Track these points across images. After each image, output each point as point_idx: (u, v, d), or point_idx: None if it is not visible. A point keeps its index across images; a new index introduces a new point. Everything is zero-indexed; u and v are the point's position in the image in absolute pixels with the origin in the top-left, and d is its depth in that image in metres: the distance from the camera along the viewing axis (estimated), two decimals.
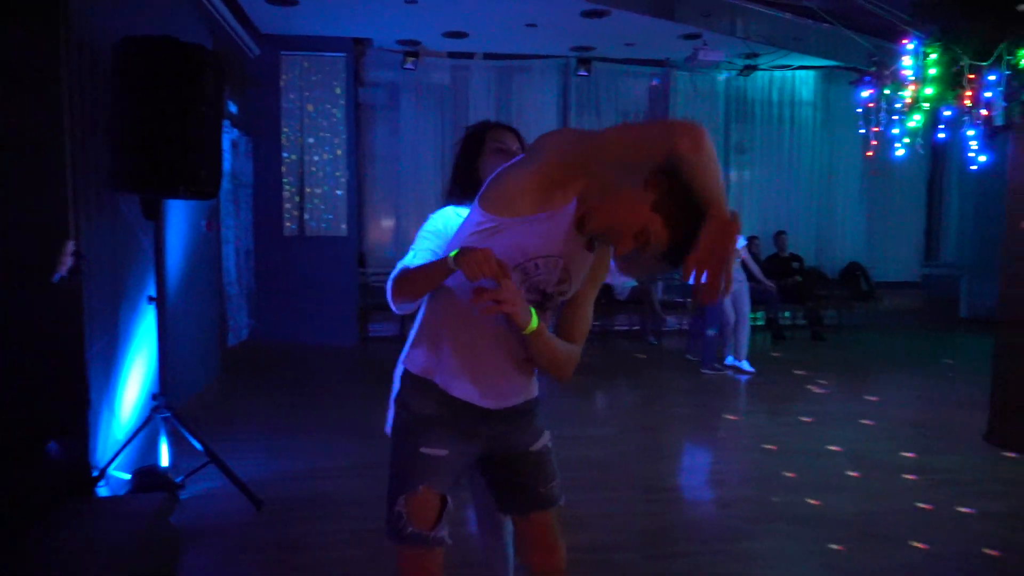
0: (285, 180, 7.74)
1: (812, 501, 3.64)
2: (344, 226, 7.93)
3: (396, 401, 1.72)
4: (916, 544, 3.16)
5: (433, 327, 1.64)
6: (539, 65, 8.70)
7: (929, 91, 3.98)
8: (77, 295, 3.07)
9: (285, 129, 7.67)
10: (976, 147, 4.17)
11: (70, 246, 2.94)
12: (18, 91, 2.89)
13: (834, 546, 3.12)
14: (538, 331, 1.50)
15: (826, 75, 9.49)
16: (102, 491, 3.19)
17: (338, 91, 7.73)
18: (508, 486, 1.72)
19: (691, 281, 1.26)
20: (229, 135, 6.41)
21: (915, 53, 4.06)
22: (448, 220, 1.94)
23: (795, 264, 8.94)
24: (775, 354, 7.78)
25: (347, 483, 3.89)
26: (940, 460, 4.30)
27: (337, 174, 7.84)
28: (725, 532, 3.30)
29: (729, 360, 6.92)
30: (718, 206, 1.26)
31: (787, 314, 9.02)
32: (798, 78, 9.52)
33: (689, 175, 1.27)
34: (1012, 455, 4.31)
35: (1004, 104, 3.91)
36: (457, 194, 2.03)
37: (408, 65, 8.20)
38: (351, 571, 2.90)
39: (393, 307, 1.72)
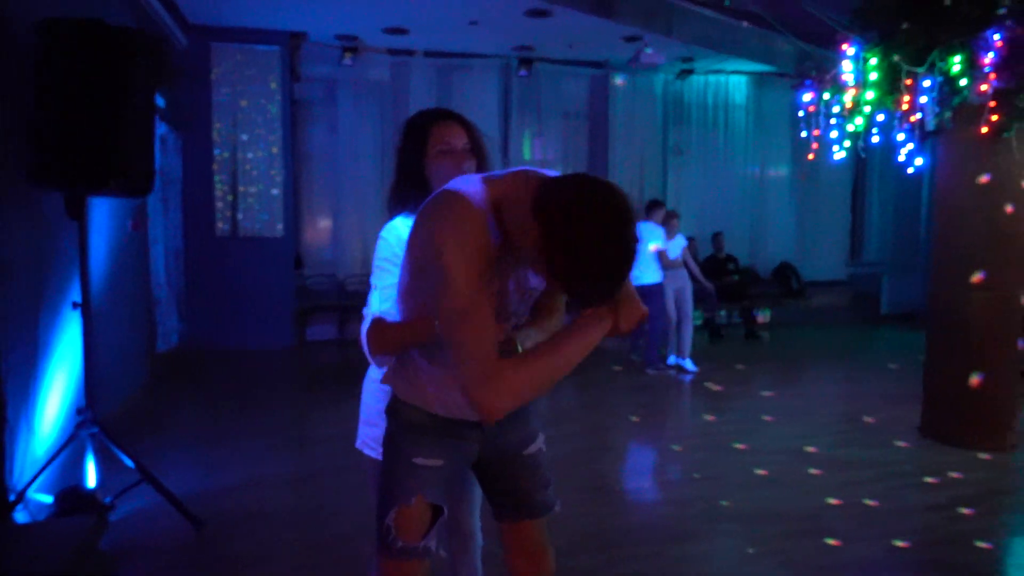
0: (217, 178, 7.39)
1: (764, 499, 3.69)
2: (280, 226, 7.64)
3: (387, 412, 1.63)
4: (867, 539, 3.24)
5: (409, 355, 1.58)
6: (480, 64, 8.61)
7: (870, 95, 4.10)
8: None
9: (217, 125, 7.32)
10: (912, 150, 4.33)
11: None
12: None
13: (789, 543, 3.16)
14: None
15: (758, 80, 9.76)
16: (20, 516, 2.92)
17: (273, 86, 7.43)
18: (504, 492, 1.67)
19: None
20: (157, 130, 6.05)
21: (855, 58, 4.18)
22: (401, 236, 1.77)
23: (731, 265, 9.16)
24: (715, 352, 7.93)
25: (288, 496, 3.71)
26: (880, 454, 4.44)
27: (272, 172, 7.54)
28: (683, 532, 3.29)
29: (672, 360, 7.01)
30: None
31: (722, 313, 9.24)
32: (731, 83, 9.76)
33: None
34: (946, 447, 4.50)
35: (937, 110, 4.07)
36: (403, 198, 1.84)
37: (346, 61, 7.97)
38: None
39: (372, 362, 1.68)
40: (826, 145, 4.94)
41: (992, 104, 4.00)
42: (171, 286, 6.85)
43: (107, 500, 3.19)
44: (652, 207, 6.96)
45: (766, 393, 6.14)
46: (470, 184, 1.32)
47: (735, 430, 4.94)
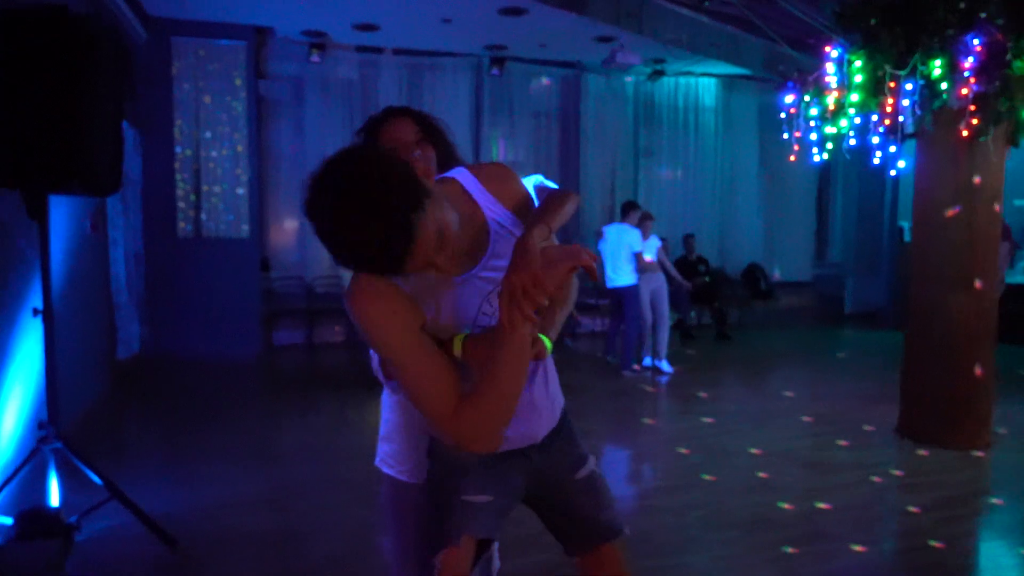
0: (179, 177, 7.10)
1: (757, 504, 3.65)
2: (245, 227, 7.38)
3: (428, 455, 1.53)
4: (861, 543, 3.22)
5: None
6: (451, 63, 8.48)
7: (855, 97, 4.10)
8: None
9: (178, 122, 7.04)
10: (894, 153, 4.35)
11: None
12: None
13: (788, 549, 3.12)
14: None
15: (727, 83, 9.84)
16: None
17: (238, 83, 7.18)
18: (564, 521, 1.56)
19: None
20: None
21: (839, 61, 4.18)
22: None
23: (701, 267, 9.20)
24: (689, 353, 7.94)
25: (262, 516, 3.52)
26: (863, 455, 4.46)
27: (238, 171, 7.28)
28: (681, 541, 3.23)
29: (647, 361, 6.98)
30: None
31: (692, 314, 9.28)
32: (701, 85, 9.82)
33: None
34: (925, 447, 4.54)
35: (919, 113, 4.10)
36: None
37: (314, 58, 7.76)
38: None
39: (387, 387, 1.63)
40: (805, 147, 4.94)
41: (972, 108, 4.04)
42: (132, 290, 6.55)
43: (72, 520, 2.98)
44: (628, 209, 6.93)
45: (745, 394, 6.15)
46: None
47: (717, 432, 4.91)
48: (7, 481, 2.87)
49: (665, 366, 6.87)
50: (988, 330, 4.59)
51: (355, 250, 1.13)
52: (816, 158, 4.88)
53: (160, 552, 3.00)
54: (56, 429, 2.99)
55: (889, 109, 4.05)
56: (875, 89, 4.04)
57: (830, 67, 4.24)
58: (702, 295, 8.96)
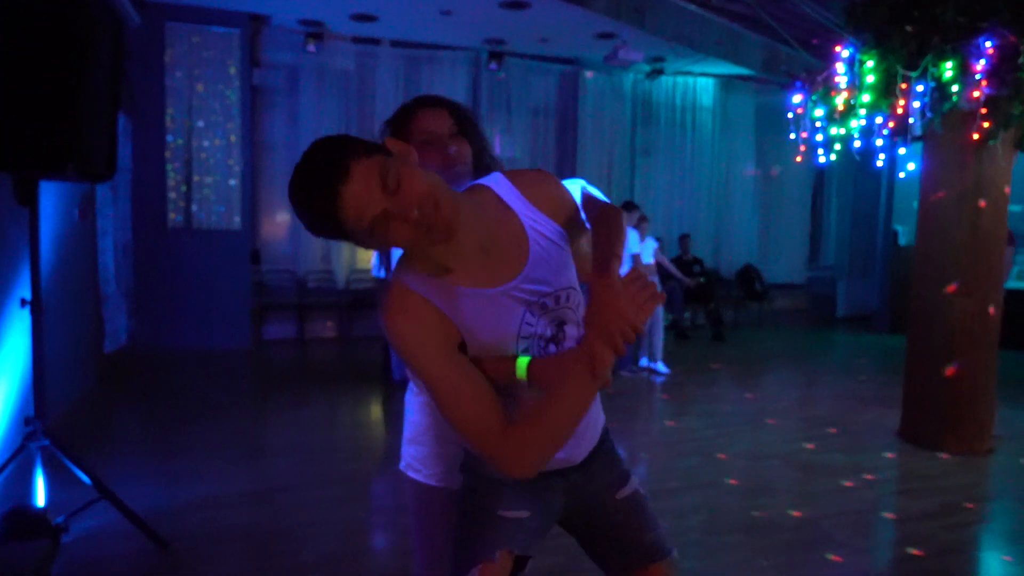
0: (169, 166, 6.95)
1: (761, 507, 3.59)
2: (237, 219, 7.24)
3: (462, 469, 1.45)
4: (865, 550, 3.17)
5: None
6: (449, 56, 8.37)
7: (867, 98, 4.05)
8: None
9: (170, 110, 6.88)
10: (904, 155, 4.31)
11: None
12: None
13: (796, 557, 3.06)
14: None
15: (725, 83, 9.80)
16: None
17: (232, 71, 7.04)
18: (606, 543, 1.47)
19: None
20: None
21: (849, 61, 4.13)
22: None
23: (696, 267, 9.16)
24: (684, 354, 7.89)
25: (253, 513, 3.41)
26: (865, 459, 4.41)
27: (230, 162, 7.13)
28: (683, 545, 3.15)
29: (643, 362, 6.92)
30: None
31: (687, 315, 9.24)
32: (699, 84, 9.77)
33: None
34: (926, 451, 4.50)
35: (928, 115, 4.05)
36: None
37: (310, 47, 7.62)
38: None
39: (417, 386, 1.56)
40: (811, 148, 4.89)
41: (983, 111, 4.00)
42: (120, 282, 6.40)
43: (59, 520, 2.86)
44: (626, 209, 6.85)
45: (743, 396, 6.10)
46: (400, 264, 1.26)
47: (718, 435, 4.85)
48: None
49: (661, 367, 6.81)
50: (990, 334, 4.56)
51: (294, 195, 1.11)
52: (822, 159, 4.82)
53: (150, 553, 2.89)
54: (43, 425, 2.87)
55: (900, 111, 3.99)
56: (886, 90, 3.98)
57: (840, 67, 4.18)
58: (698, 296, 8.92)
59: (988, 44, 3.93)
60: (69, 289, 4.69)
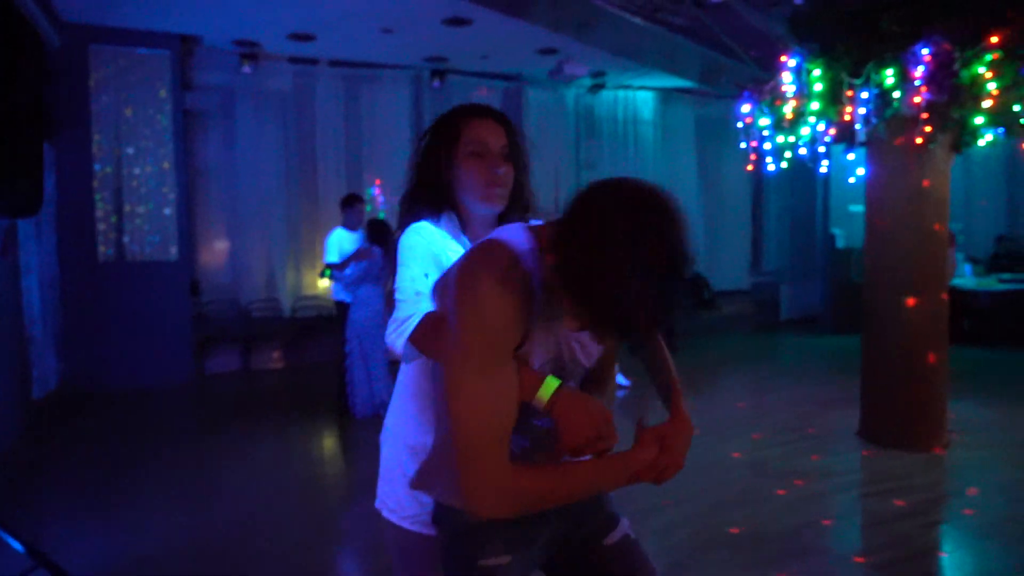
0: (98, 196, 6.56)
1: (741, 521, 3.54)
2: (174, 249, 6.89)
3: (434, 521, 1.35)
4: (857, 554, 3.15)
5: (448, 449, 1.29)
6: (390, 75, 8.23)
7: (815, 105, 4.12)
8: None
9: (97, 136, 6.52)
10: (853, 160, 4.40)
11: None
12: None
13: (780, 571, 3.01)
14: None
15: (664, 96, 9.96)
16: None
17: (163, 94, 6.72)
18: None
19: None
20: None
21: (796, 69, 4.20)
22: (432, 240, 1.53)
23: None
24: (638, 364, 7.88)
25: (207, 566, 3.16)
26: (832, 462, 4.45)
27: (164, 190, 6.79)
28: (671, 566, 3.07)
29: None
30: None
31: None
32: (639, 98, 9.90)
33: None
34: (888, 450, 4.57)
35: (874, 121, 4.14)
36: (423, 202, 1.58)
37: (245, 69, 7.36)
38: None
39: (406, 351, 1.39)
40: (761, 156, 4.95)
41: (924, 116, 4.11)
42: (47, 321, 5.97)
43: None
44: None
45: (702, 405, 6.10)
46: (514, 233, 1.18)
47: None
48: None
49: (621, 379, 6.77)
50: (941, 332, 4.68)
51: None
52: (771, 167, 4.89)
53: None
54: None
55: (848, 117, 4.07)
56: (833, 97, 4.06)
57: (787, 76, 4.25)
58: None
59: (925, 52, 4.06)
60: None
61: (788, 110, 4.32)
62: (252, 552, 3.31)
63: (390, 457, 1.60)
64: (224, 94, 7.58)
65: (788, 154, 4.63)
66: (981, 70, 3.92)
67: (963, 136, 4.44)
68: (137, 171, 6.70)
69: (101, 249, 6.61)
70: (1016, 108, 4.13)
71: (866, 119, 4.16)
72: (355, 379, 5.62)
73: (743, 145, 4.82)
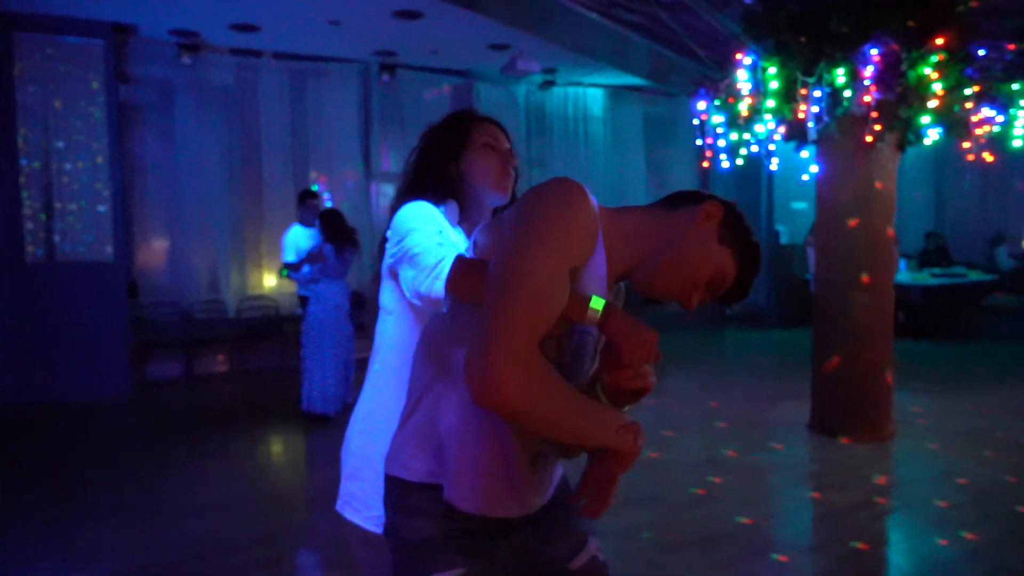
0: (25, 194, 6.17)
1: (705, 518, 3.57)
2: (109, 249, 6.54)
3: (386, 532, 1.28)
4: (816, 548, 3.20)
5: (431, 414, 1.22)
6: (337, 69, 8.02)
7: (771, 103, 4.17)
8: None
9: (22, 130, 6.12)
10: (807, 158, 4.48)
11: None
12: None
13: (750, 566, 3.04)
14: None
15: (614, 93, 10.02)
16: None
17: (95, 86, 6.36)
18: None
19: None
20: None
21: (752, 68, 4.25)
22: (436, 213, 1.58)
23: None
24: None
25: None
26: (787, 456, 4.54)
27: (98, 186, 6.44)
28: (640, 567, 3.06)
29: None
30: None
31: None
32: (589, 95, 9.93)
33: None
34: (838, 440, 4.69)
35: (826, 119, 4.23)
36: (425, 192, 1.62)
37: (184, 60, 7.05)
38: None
39: (440, 295, 1.36)
40: (716, 153, 5.01)
41: (874, 115, 4.22)
42: None
43: None
44: None
45: (657, 401, 6.15)
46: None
47: (651, 444, 4.83)
48: None
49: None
50: (887, 326, 4.84)
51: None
52: (725, 164, 4.95)
53: None
54: None
55: (802, 115, 4.15)
56: (788, 95, 4.13)
57: (742, 74, 4.30)
58: None
59: (874, 52, 4.17)
60: None
61: (743, 108, 4.37)
62: (212, 572, 3.14)
63: (353, 447, 1.58)
64: (162, 87, 7.24)
65: (744, 151, 4.69)
66: (927, 71, 4.04)
67: (908, 135, 4.59)
68: (68, 167, 6.33)
69: (29, 249, 6.22)
70: (956, 109, 4.30)
71: (818, 117, 4.24)
72: (311, 375, 5.45)
73: (699, 142, 4.87)
